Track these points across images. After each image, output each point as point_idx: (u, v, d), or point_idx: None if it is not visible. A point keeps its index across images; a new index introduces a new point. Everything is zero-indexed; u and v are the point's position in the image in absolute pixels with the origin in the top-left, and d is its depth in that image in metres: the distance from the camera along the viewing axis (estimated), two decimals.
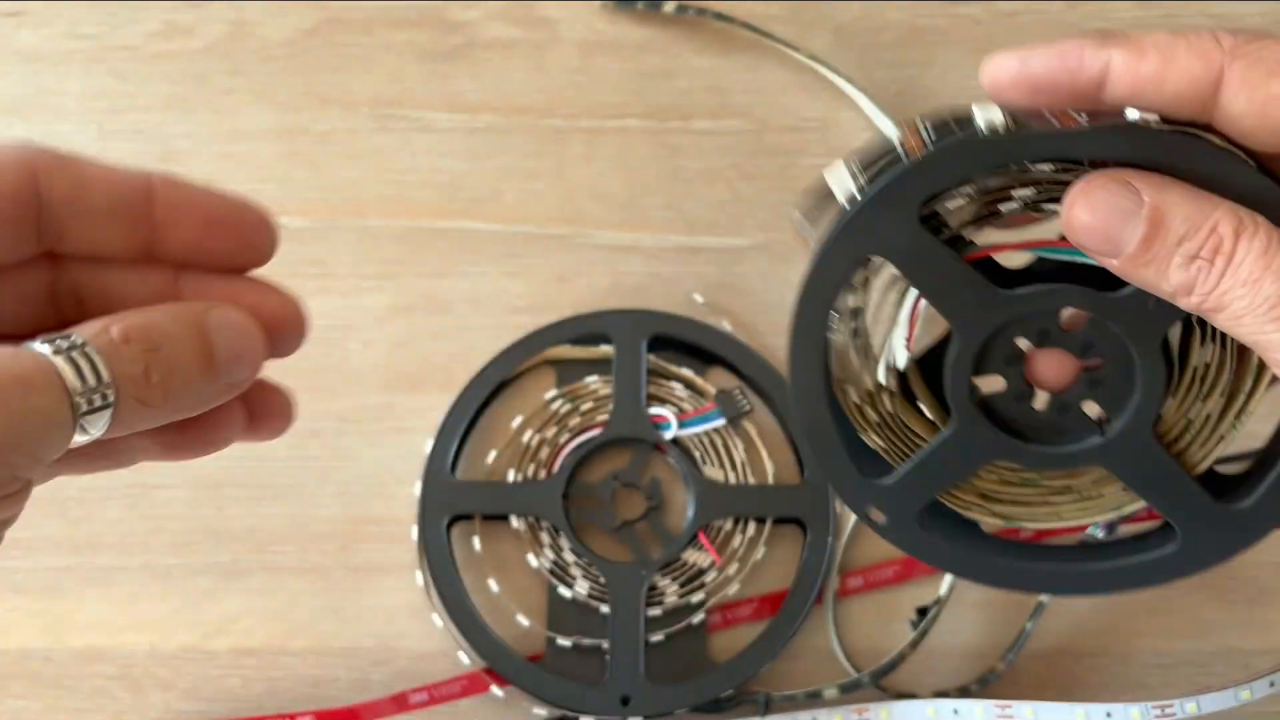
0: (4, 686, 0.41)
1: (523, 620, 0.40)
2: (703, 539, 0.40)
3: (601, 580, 0.40)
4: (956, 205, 0.26)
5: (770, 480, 0.42)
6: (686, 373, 0.42)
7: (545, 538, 0.41)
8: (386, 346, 0.43)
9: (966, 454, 0.27)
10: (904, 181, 0.25)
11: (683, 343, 0.42)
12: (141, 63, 0.45)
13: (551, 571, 0.40)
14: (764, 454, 0.42)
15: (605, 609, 0.40)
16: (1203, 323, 0.25)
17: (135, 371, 0.19)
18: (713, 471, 0.41)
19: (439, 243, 0.43)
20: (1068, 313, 0.26)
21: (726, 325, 0.43)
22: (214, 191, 0.23)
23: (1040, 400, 0.27)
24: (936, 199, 0.25)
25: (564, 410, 0.41)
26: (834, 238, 0.26)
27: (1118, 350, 0.26)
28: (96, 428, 0.19)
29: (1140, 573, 0.28)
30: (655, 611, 0.40)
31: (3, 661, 0.41)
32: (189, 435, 0.24)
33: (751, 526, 0.41)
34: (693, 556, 0.41)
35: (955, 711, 0.38)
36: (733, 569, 0.41)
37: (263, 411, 0.25)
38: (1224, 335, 0.25)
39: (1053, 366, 0.26)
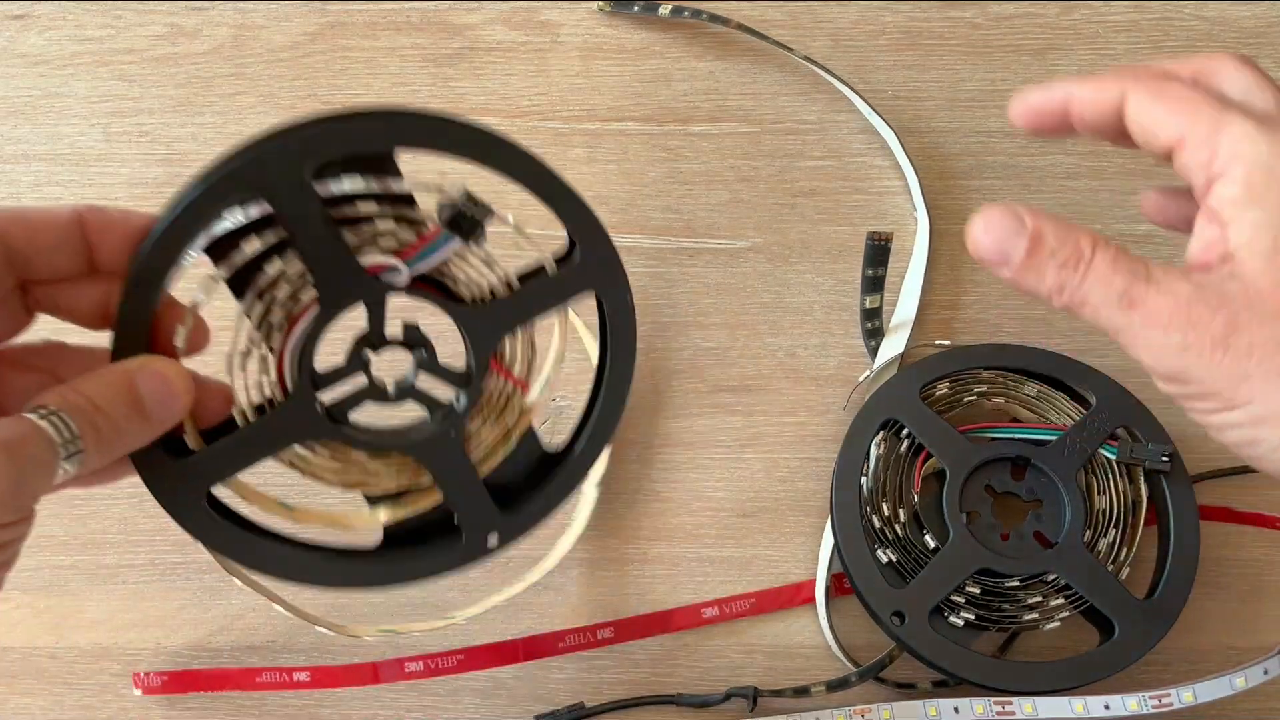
0: (10, 683, 0.41)
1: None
2: (497, 368, 0.32)
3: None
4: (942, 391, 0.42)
5: (546, 267, 0.32)
6: (375, 205, 0.29)
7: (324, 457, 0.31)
8: None
9: (961, 561, 0.39)
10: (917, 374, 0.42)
11: (355, 160, 0.29)
12: (147, 66, 0.45)
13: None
14: (525, 240, 0.31)
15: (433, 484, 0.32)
16: (1102, 474, 0.41)
17: (90, 429, 0.26)
18: (474, 287, 0.31)
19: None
20: None
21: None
22: (129, 212, 0.28)
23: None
24: (932, 384, 0.42)
25: (260, 315, 0.29)
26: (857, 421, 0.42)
27: (1051, 492, 0.41)
28: (74, 467, 0.25)
29: (1077, 668, 0.39)
30: (480, 454, 0.32)
31: (8, 658, 0.41)
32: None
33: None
34: (494, 387, 0.32)
35: (956, 710, 0.38)
36: (538, 383, 0.33)
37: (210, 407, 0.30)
38: (1118, 486, 0.41)
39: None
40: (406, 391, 0.31)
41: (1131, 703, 0.38)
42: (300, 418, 0.30)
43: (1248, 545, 0.43)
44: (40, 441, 0.24)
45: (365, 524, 0.32)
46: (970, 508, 0.41)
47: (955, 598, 0.39)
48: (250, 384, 0.29)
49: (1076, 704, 0.38)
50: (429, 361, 0.31)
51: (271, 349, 0.29)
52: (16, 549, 0.27)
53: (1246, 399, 0.26)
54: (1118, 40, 0.46)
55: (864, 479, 0.41)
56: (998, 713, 0.38)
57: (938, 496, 0.40)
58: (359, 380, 0.31)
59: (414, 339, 0.31)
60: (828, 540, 0.41)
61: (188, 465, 0.29)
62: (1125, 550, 0.40)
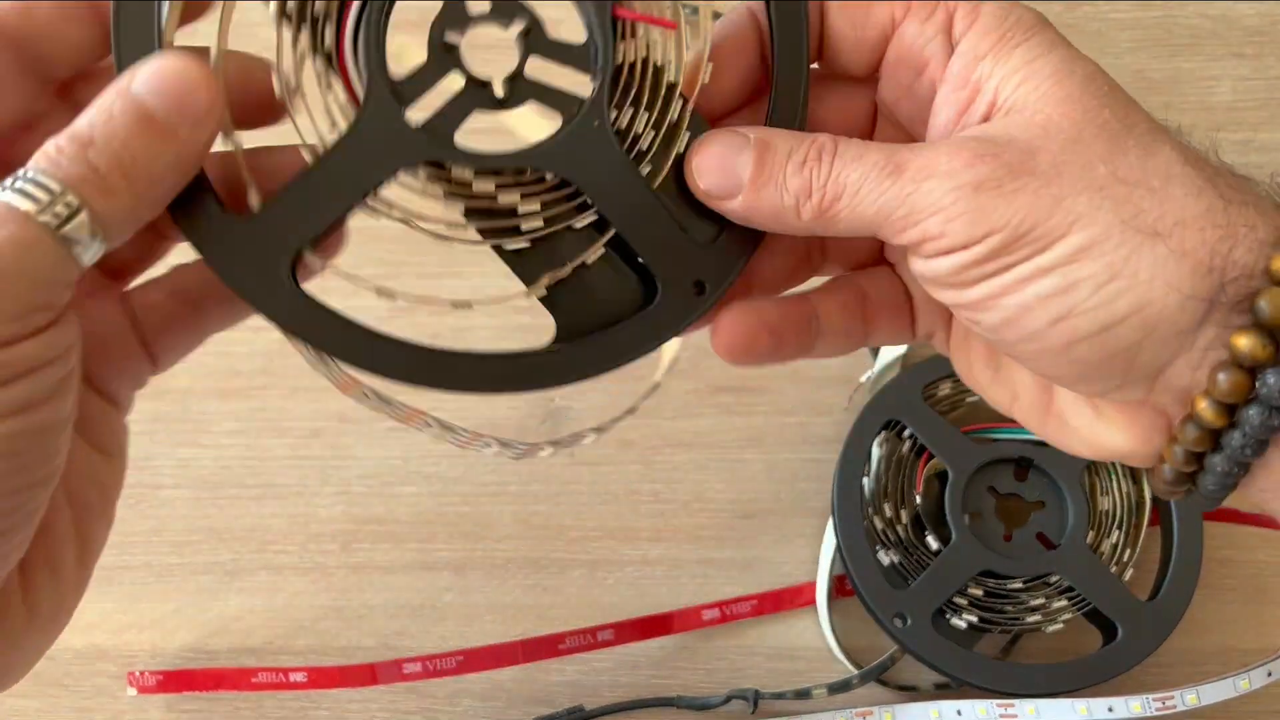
0: None
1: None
2: (628, 16, 0.23)
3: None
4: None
5: None
6: None
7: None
8: None
9: (963, 563, 0.39)
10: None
11: None
12: None
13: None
14: None
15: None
16: (1105, 475, 0.40)
17: (81, 171, 0.19)
18: None
19: (439, 243, 0.43)
20: None
21: None
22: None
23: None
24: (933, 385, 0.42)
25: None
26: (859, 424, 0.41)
27: (1054, 493, 0.40)
28: (86, 237, 0.19)
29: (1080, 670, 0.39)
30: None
31: None
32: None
33: None
34: (633, 54, 0.24)
35: (959, 712, 0.38)
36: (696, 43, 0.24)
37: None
38: (1121, 486, 0.40)
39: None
40: (520, 88, 0.23)
41: (1135, 705, 0.37)
42: (387, 137, 0.22)
43: (1252, 547, 0.42)
44: (7, 220, 0.19)
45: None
46: (973, 509, 0.40)
47: (958, 599, 0.39)
48: (316, 114, 0.22)
49: (1080, 706, 0.37)
50: (537, 37, 0.23)
51: (329, 57, 0.23)
52: (49, 377, 0.20)
53: (1065, 226, 0.21)
54: (1121, 38, 0.46)
55: (866, 480, 0.40)
56: (1001, 715, 0.38)
57: (940, 497, 0.40)
58: (452, 84, 0.23)
59: (508, 8, 0.23)
60: (829, 541, 0.41)
61: (255, 226, 0.22)
62: (1129, 552, 0.40)
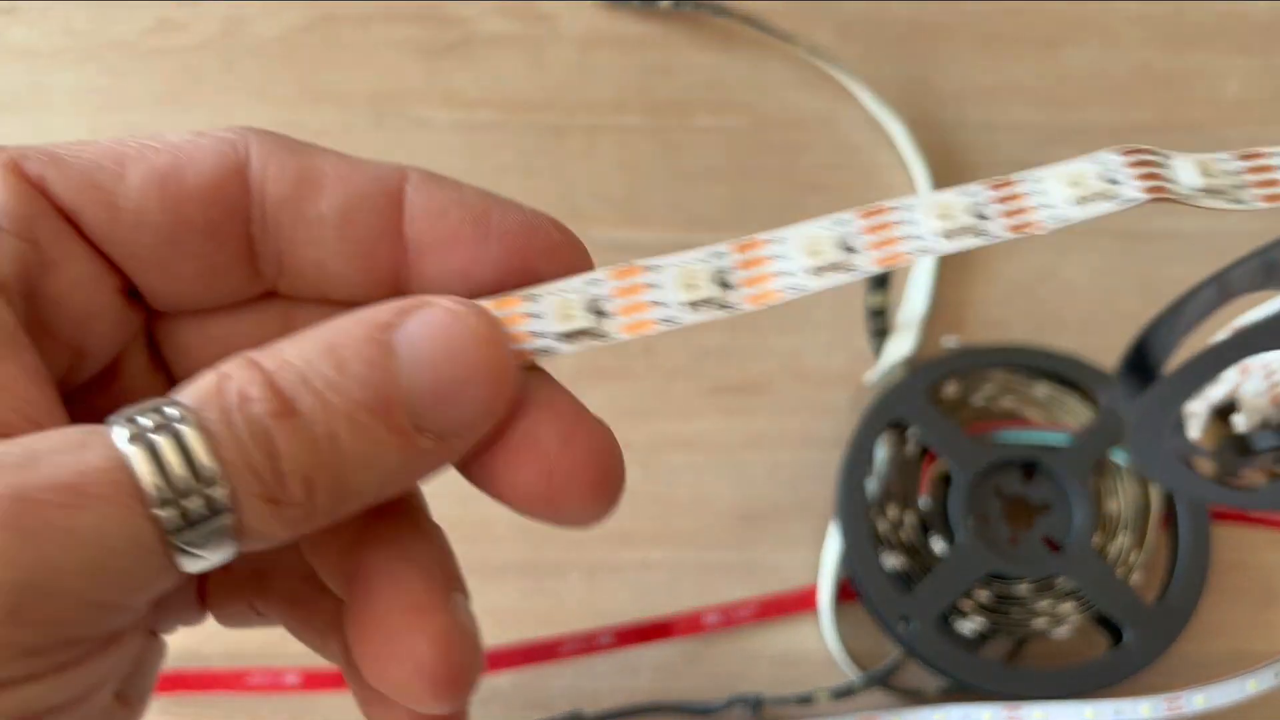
0: None
1: None
2: None
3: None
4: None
5: None
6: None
7: None
8: None
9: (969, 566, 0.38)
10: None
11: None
12: (135, 59, 0.44)
13: None
14: None
15: None
16: (1112, 477, 0.38)
17: (256, 458, 0.13)
18: None
19: None
20: None
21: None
22: (491, 197, 0.17)
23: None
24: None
25: None
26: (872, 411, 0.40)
27: (1061, 496, 0.39)
28: (209, 551, 0.13)
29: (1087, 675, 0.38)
30: None
31: None
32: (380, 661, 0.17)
33: None
34: None
35: (965, 717, 0.38)
36: None
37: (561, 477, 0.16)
38: (1128, 489, 0.38)
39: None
40: None
41: (1143, 707, 0.37)
42: None
43: (1261, 549, 0.42)
44: (111, 495, 0.12)
45: None
46: (978, 511, 0.40)
47: (963, 603, 0.38)
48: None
49: (1087, 710, 0.37)
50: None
51: None
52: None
53: None
54: (1129, 33, 0.46)
55: (870, 482, 0.40)
56: (1007, 717, 0.37)
57: (945, 500, 0.39)
58: None
59: None
60: (832, 545, 0.41)
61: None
62: (1136, 554, 0.39)
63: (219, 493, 0.13)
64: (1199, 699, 0.37)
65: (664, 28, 0.45)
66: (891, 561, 0.39)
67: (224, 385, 0.13)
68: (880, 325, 0.42)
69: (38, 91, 0.44)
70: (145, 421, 0.13)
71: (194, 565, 0.13)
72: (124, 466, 0.12)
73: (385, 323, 0.14)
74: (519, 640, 0.40)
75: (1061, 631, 0.38)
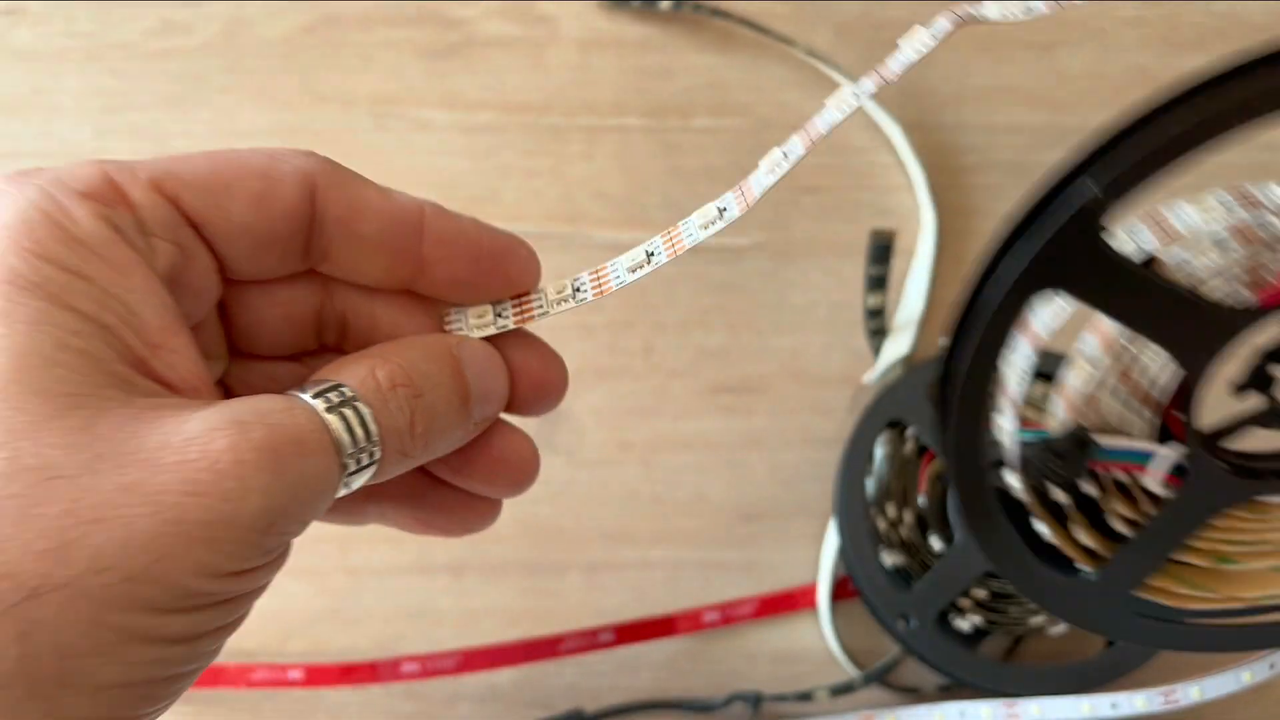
0: None
1: None
2: None
3: None
4: None
5: None
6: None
7: None
8: None
9: (967, 564, 0.37)
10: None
11: None
12: (138, 61, 0.44)
13: None
14: None
15: None
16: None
17: (401, 424, 0.19)
18: None
19: None
20: None
21: None
22: (482, 225, 0.22)
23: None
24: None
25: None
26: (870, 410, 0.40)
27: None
28: (356, 483, 0.19)
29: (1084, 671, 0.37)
30: None
31: None
32: (451, 516, 0.24)
33: None
34: None
35: (962, 714, 0.38)
36: None
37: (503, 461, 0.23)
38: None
39: None
40: None
41: (1139, 700, 0.37)
42: (1209, 487, 0.24)
43: None
44: (321, 449, 0.17)
45: None
46: None
47: (961, 601, 0.38)
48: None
49: (1084, 704, 0.37)
50: None
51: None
52: (248, 606, 0.19)
53: None
54: (1126, 36, 0.46)
55: (868, 481, 0.40)
56: (1005, 715, 0.37)
57: (943, 498, 0.40)
58: (1247, 404, 0.24)
59: None
60: (831, 543, 0.41)
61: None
62: None
63: (376, 450, 0.19)
64: (1194, 691, 0.37)
65: (663, 29, 0.45)
66: (890, 560, 0.39)
67: (377, 374, 0.19)
68: (878, 325, 0.42)
69: (41, 93, 0.44)
70: (332, 398, 0.18)
71: (342, 493, 0.19)
72: (324, 428, 0.18)
73: (454, 345, 0.21)
74: (520, 638, 0.40)
75: (1058, 628, 0.38)
